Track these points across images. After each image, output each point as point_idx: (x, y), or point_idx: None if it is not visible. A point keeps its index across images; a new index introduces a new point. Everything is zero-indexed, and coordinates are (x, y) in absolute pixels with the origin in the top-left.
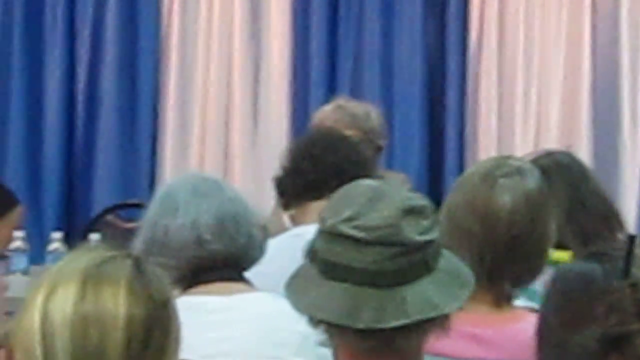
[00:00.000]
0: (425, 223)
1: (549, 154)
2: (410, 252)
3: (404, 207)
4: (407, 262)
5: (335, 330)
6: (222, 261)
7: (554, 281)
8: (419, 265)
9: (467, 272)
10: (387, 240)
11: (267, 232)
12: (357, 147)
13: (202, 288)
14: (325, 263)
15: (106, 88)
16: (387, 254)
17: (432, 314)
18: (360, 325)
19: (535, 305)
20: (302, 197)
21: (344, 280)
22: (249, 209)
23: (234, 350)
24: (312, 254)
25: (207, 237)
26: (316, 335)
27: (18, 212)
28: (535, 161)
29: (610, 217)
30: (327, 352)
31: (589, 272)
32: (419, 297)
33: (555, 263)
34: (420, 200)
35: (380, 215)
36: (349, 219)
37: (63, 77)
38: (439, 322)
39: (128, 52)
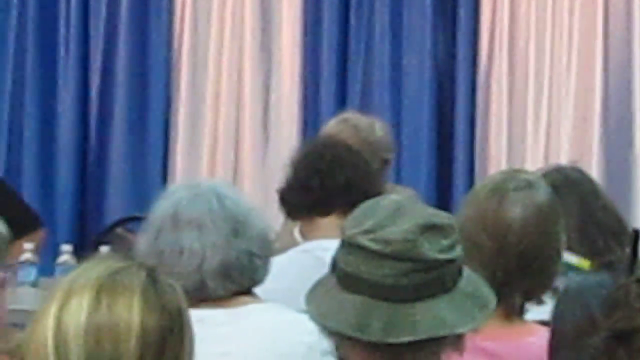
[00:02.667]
0: (445, 242)
1: (559, 169)
2: (426, 270)
3: (424, 224)
4: (422, 279)
5: (345, 342)
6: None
7: (566, 290)
8: (435, 283)
9: (488, 294)
10: (402, 255)
11: (272, 247)
12: (365, 161)
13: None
14: (343, 273)
15: (118, 103)
16: (402, 269)
17: (442, 333)
18: (369, 338)
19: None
20: (310, 213)
21: (358, 292)
22: (252, 224)
23: None
24: (332, 263)
25: (211, 284)
26: (321, 345)
27: (40, 235)
28: (545, 176)
29: (620, 233)
30: None
31: (599, 280)
32: (430, 314)
33: (576, 269)
34: (444, 218)
35: (399, 230)
36: (368, 231)
37: (76, 92)
38: (451, 341)
39: (140, 67)
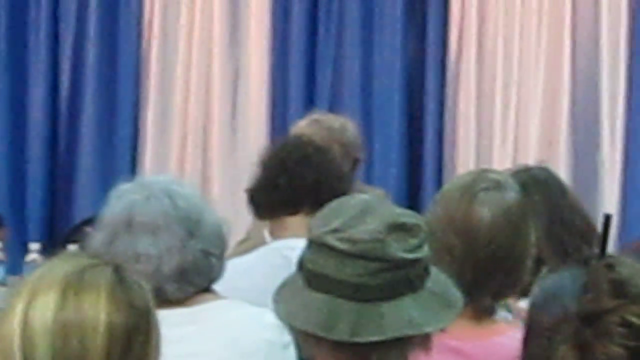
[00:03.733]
0: (412, 241)
1: (527, 170)
2: (393, 269)
3: (392, 223)
4: (390, 279)
5: (312, 341)
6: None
7: (542, 283)
8: (402, 283)
9: (455, 294)
10: (370, 255)
11: (226, 242)
12: (333, 160)
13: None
14: (309, 273)
15: (87, 101)
16: (369, 268)
17: (410, 332)
18: (335, 337)
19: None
20: (278, 212)
21: (325, 292)
22: (206, 222)
23: None
24: (299, 262)
25: (169, 287)
26: (282, 339)
27: (1, 234)
28: (513, 176)
29: (588, 232)
30: (292, 355)
31: (573, 272)
32: (398, 314)
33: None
34: (411, 218)
35: (366, 229)
36: (335, 230)
37: (46, 90)
38: (418, 340)
39: (109, 63)
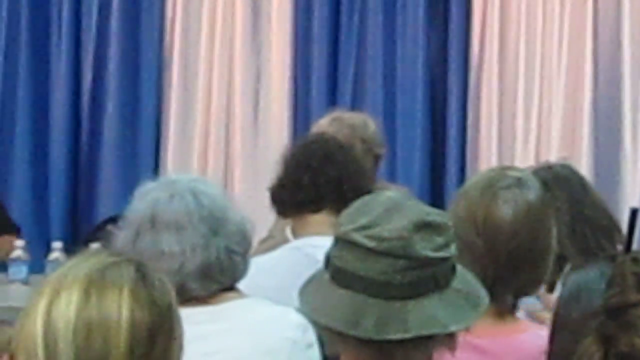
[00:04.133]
0: (439, 240)
1: (549, 167)
2: (419, 267)
3: (419, 221)
4: (415, 277)
5: (337, 337)
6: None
7: (569, 278)
8: (428, 281)
9: (481, 293)
10: (396, 252)
11: (250, 241)
12: (356, 158)
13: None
14: (336, 269)
15: (110, 100)
16: (395, 266)
17: (434, 331)
18: (360, 334)
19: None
20: (300, 210)
21: (351, 288)
22: (230, 220)
23: None
24: (326, 259)
25: (192, 285)
26: (305, 339)
27: (9, 241)
28: (535, 174)
29: (611, 230)
30: (316, 355)
31: (600, 268)
32: (423, 313)
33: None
34: (438, 216)
35: (393, 227)
36: (363, 228)
37: (68, 89)
38: (442, 339)
39: (131, 65)
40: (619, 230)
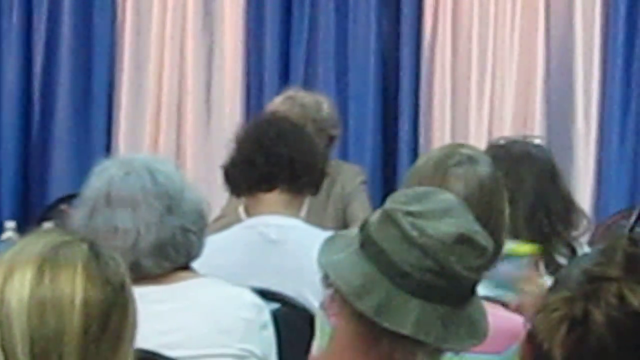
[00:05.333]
0: (474, 262)
1: (525, 142)
2: (443, 276)
3: (465, 235)
4: (435, 283)
5: (340, 301)
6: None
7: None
8: (444, 292)
9: (484, 329)
10: (430, 253)
11: (206, 221)
12: (309, 137)
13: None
14: (368, 238)
15: (61, 79)
16: (422, 264)
17: (422, 338)
18: (361, 308)
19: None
20: (253, 189)
21: (373, 262)
22: (186, 199)
23: (184, 341)
24: (363, 224)
25: (146, 262)
26: (260, 319)
27: None
28: (509, 147)
29: (569, 216)
30: (270, 335)
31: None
32: (424, 316)
33: (510, 255)
34: (484, 239)
35: (439, 228)
36: (412, 214)
37: (19, 68)
38: (429, 350)
39: (83, 44)
40: (576, 216)
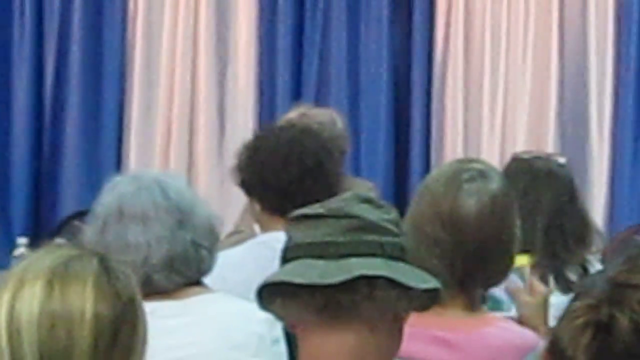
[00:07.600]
0: (385, 215)
1: (548, 160)
2: (361, 229)
3: (366, 198)
4: (360, 237)
5: (287, 298)
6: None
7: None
8: (373, 245)
9: (431, 279)
10: (339, 213)
11: (218, 236)
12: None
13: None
14: (287, 249)
15: (72, 96)
16: (339, 226)
17: (377, 273)
18: (304, 281)
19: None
20: (274, 212)
21: (299, 258)
22: (197, 214)
23: (195, 357)
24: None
25: (157, 277)
26: (272, 334)
27: None
28: (532, 162)
29: (583, 237)
30: (282, 350)
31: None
32: (368, 264)
33: (517, 269)
34: (387, 206)
35: (340, 199)
36: (317, 207)
37: (30, 85)
38: (400, 300)
39: (93, 60)
40: (590, 238)
